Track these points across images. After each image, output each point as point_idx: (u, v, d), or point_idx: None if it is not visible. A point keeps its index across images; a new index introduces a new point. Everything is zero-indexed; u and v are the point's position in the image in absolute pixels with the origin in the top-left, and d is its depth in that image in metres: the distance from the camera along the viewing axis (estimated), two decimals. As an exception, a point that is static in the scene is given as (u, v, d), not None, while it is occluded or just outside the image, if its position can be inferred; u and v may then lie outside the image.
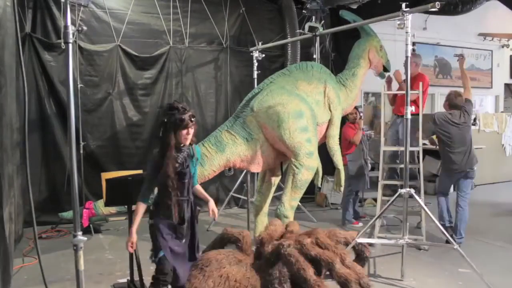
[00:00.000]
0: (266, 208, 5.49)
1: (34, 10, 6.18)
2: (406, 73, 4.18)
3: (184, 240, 3.23)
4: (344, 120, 5.98)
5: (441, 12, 6.23)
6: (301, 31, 7.10)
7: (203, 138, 4.99)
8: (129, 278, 3.94)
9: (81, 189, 6.11)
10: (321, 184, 7.66)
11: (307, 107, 4.80)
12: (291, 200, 4.72)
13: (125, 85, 6.75)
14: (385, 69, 5.67)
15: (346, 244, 3.89)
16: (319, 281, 3.16)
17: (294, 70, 5.15)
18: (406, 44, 4.02)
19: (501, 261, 4.83)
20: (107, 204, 4.00)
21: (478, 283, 3.96)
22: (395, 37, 8.26)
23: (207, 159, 4.70)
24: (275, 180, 5.47)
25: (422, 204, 4.28)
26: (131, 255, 3.79)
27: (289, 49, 7.41)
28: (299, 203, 6.51)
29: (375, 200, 6.48)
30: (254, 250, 3.68)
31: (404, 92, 4.29)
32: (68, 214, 4.81)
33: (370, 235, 5.47)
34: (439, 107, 10.33)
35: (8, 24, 4.44)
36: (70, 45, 2.61)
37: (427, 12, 4.76)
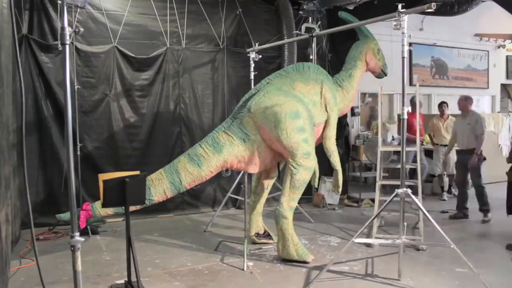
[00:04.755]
0: (260, 208, 5.50)
1: (30, 11, 6.17)
2: (402, 73, 4.19)
3: None
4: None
5: (437, 12, 6.24)
6: (297, 32, 7.12)
7: (200, 139, 5.00)
8: (126, 279, 3.94)
9: (78, 191, 6.10)
10: (318, 185, 7.68)
11: (304, 107, 4.81)
12: (289, 201, 4.72)
13: (122, 87, 6.74)
14: (383, 73, 5.67)
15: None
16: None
17: (291, 71, 5.16)
18: (403, 45, 4.03)
19: (498, 260, 4.85)
20: (104, 205, 3.93)
21: (475, 282, 3.98)
22: (391, 38, 8.29)
23: (204, 160, 4.71)
24: (270, 181, 5.48)
25: (420, 204, 4.29)
26: (128, 256, 3.79)
27: (286, 50, 7.43)
28: (297, 204, 6.53)
29: (373, 200, 6.49)
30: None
31: None
32: (65, 216, 4.80)
33: (368, 235, 5.49)
34: (436, 107, 10.36)
35: (5, 26, 4.44)
36: (67, 47, 2.60)
37: (424, 12, 4.78)
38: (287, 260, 4.76)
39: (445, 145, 7.95)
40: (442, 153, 8.12)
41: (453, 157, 7.96)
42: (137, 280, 3.76)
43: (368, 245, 5.29)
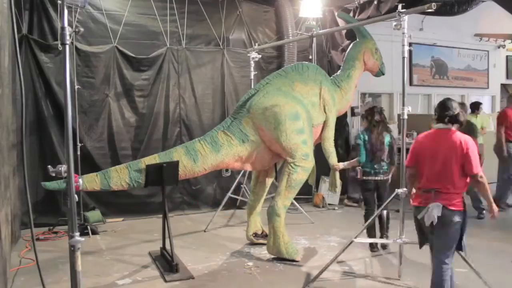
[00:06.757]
0: (259, 207, 5.51)
1: (30, 11, 6.17)
2: (402, 73, 4.19)
3: None
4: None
5: (437, 13, 6.23)
6: (298, 32, 7.12)
7: (200, 139, 4.99)
8: (161, 246, 4.44)
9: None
10: (314, 183, 7.68)
11: (303, 109, 4.82)
12: (284, 200, 4.73)
13: (122, 87, 6.74)
14: (381, 72, 5.68)
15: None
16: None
17: (290, 71, 5.14)
18: (403, 45, 4.04)
19: (498, 260, 4.85)
20: (146, 184, 4.50)
21: (475, 282, 3.97)
22: (391, 38, 8.28)
23: (200, 156, 4.66)
24: (269, 180, 5.48)
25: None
26: (163, 224, 4.48)
27: (286, 50, 7.42)
28: (297, 204, 6.54)
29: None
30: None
31: None
32: (51, 185, 4.56)
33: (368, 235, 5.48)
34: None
35: (5, 26, 4.44)
36: (67, 47, 2.60)
37: (424, 12, 4.78)
38: (280, 259, 4.76)
39: None
40: None
41: None
42: (171, 247, 4.43)
43: (369, 245, 5.28)
